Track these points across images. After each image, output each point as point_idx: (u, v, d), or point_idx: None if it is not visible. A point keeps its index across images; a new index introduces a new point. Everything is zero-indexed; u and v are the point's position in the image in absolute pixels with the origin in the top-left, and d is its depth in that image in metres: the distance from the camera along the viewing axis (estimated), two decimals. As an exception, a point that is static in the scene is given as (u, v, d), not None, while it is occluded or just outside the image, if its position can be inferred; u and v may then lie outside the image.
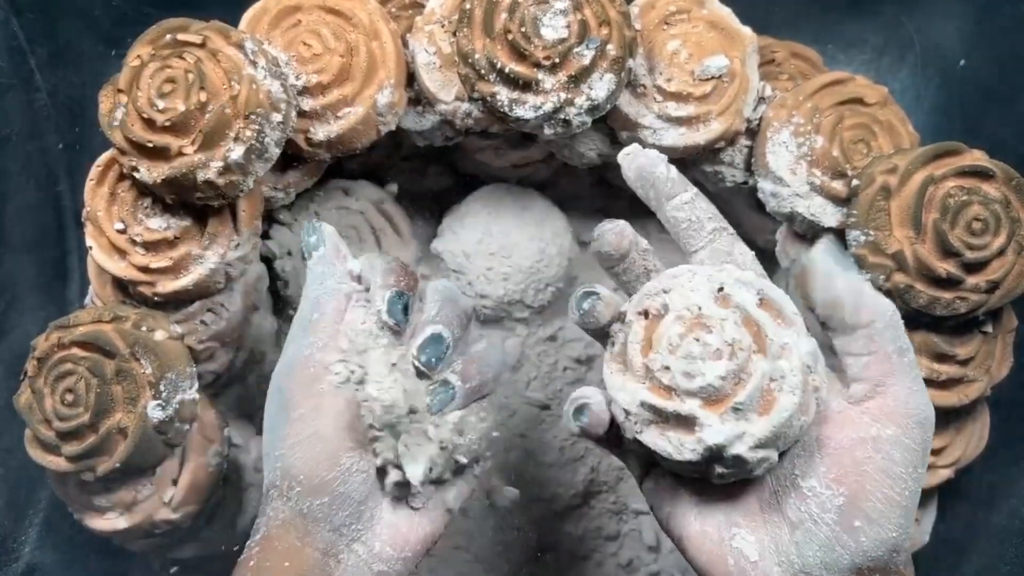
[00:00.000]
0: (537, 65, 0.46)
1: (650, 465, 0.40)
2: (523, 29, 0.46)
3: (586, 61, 0.46)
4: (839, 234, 0.49)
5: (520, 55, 0.46)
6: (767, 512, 0.36)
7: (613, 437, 0.38)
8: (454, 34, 0.49)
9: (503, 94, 0.47)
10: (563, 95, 0.46)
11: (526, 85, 0.47)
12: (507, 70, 0.46)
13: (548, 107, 0.47)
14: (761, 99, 0.52)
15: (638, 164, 0.41)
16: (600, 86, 0.47)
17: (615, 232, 0.40)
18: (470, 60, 0.47)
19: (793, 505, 0.35)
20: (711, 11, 0.51)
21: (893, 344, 0.36)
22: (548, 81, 0.46)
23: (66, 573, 0.52)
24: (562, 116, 0.47)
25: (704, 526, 0.37)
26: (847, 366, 0.37)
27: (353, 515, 0.38)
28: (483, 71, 0.47)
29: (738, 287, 0.36)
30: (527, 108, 0.47)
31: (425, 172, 0.64)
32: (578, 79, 0.46)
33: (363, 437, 0.39)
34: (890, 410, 0.35)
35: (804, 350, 0.35)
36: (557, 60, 0.46)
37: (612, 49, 0.47)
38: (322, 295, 0.40)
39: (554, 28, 0.46)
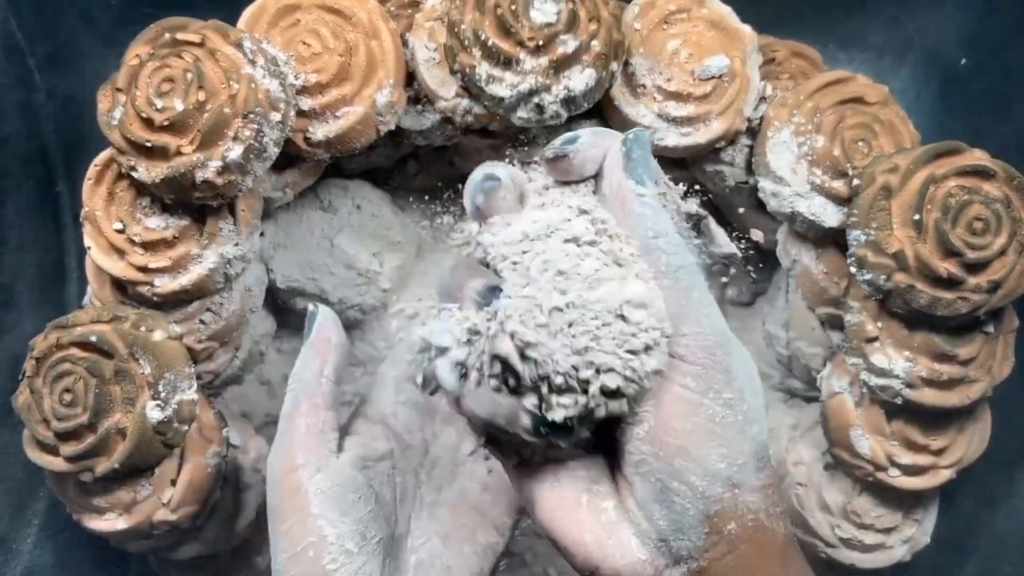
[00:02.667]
0: (521, 44, 0.46)
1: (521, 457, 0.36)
2: (513, 7, 0.46)
3: (569, 50, 0.46)
4: (840, 233, 0.49)
5: (506, 31, 0.46)
6: (620, 486, 0.34)
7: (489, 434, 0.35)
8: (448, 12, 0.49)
9: (482, 68, 0.47)
10: (541, 79, 0.47)
11: (507, 62, 0.47)
12: (490, 43, 0.46)
13: (524, 88, 0.47)
14: (762, 98, 0.52)
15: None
16: (579, 79, 0.47)
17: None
18: (456, 30, 0.48)
19: (630, 472, 0.33)
20: (711, 10, 0.51)
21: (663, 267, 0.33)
22: (529, 63, 0.47)
23: (65, 574, 0.52)
24: (536, 100, 0.47)
25: (561, 502, 0.34)
26: None
27: None
28: (467, 42, 0.47)
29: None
30: (503, 86, 0.47)
31: (425, 172, 0.64)
32: (559, 67, 0.47)
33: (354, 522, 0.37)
34: (678, 333, 0.32)
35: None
36: (541, 43, 0.46)
37: (597, 45, 0.47)
38: (300, 393, 0.39)
39: (543, 12, 0.46)
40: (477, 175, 0.36)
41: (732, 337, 0.33)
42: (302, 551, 0.36)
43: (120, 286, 0.49)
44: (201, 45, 0.44)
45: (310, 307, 0.42)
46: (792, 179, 0.50)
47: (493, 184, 0.36)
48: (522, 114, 0.48)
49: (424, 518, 0.42)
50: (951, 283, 0.45)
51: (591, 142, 0.36)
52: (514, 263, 0.34)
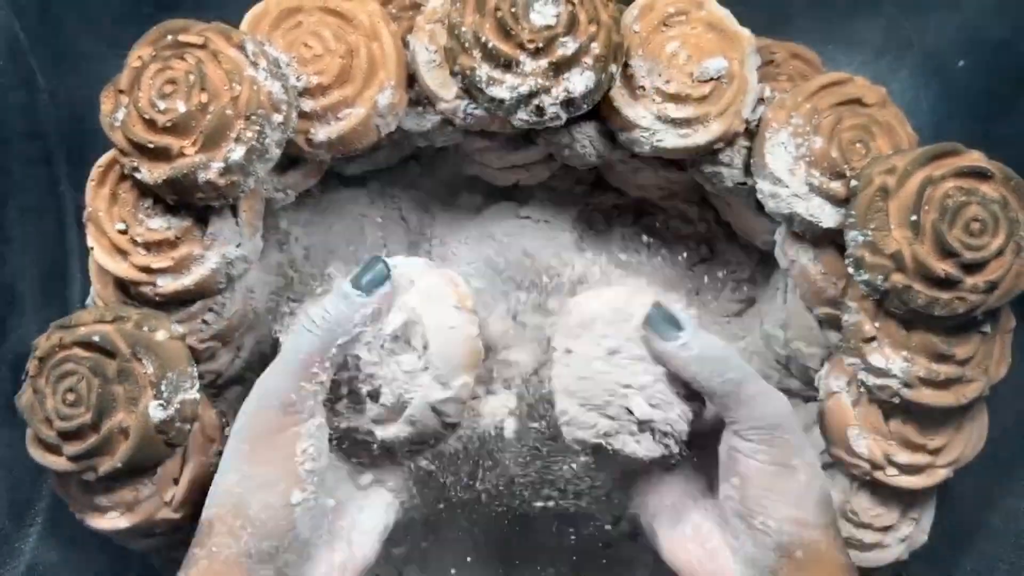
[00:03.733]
0: (521, 46, 0.47)
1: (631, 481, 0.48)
2: (513, 10, 0.47)
3: (569, 52, 0.47)
4: (838, 234, 0.49)
5: (506, 33, 0.47)
6: (720, 523, 0.44)
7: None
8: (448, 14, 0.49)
9: (482, 70, 0.47)
10: (541, 81, 0.47)
11: (507, 65, 0.47)
12: (490, 46, 0.47)
13: (524, 89, 0.47)
14: (760, 100, 0.52)
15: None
16: (579, 80, 0.47)
17: None
18: (456, 32, 0.48)
19: (726, 511, 0.43)
20: (710, 12, 0.51)
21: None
22: (528, 65, 0.47)
23: (67, 572, 0.53)
24: (536, 102, 0.48)
25: (673, 536, 0.45)
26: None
27: (298, 555, 0.41)
28: (467, 44, 0.48)
29: None
30: (503, 88, 0.47)
31: (425, 173, 0.64)
32: (558, 68, 0.47)
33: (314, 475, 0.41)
34: (748, 418, 0.41)
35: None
36: (541, 45, 0.46)
37: (596, 47, 0.47)
38: (332, 329, 0.41)
39: (543, 15, 0.47)
40: None
41: (792, 416, 0.42)
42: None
43: (123, 286, 0.49)
44: (203, 47, 0.45)
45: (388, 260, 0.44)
46: (790, 180, 0.50)
47: None
48: (522, 116, 0.49)
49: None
50: (948, 283, 0.45)
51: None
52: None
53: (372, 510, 0.46)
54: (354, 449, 0.46)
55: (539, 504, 0.56)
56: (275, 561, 0.40)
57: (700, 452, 0.46)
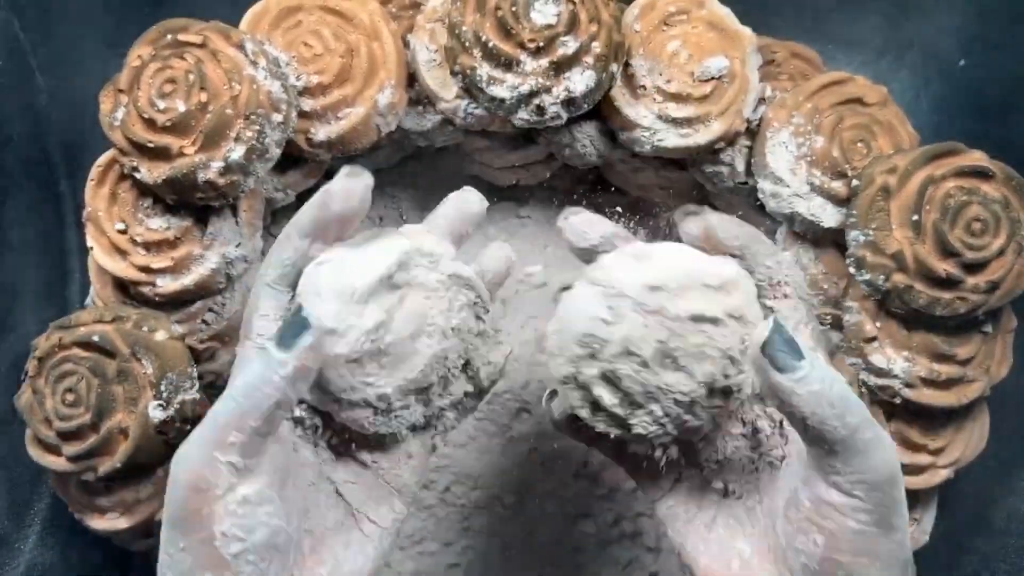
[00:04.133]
0: (521, 46, 0.47)
1: (672, 482, 0.41)
2: (514, 9, 0.47)
3: (570, 52, 0.46)
4: (839, 234, 0.49)
5: (507, 33, 0.47)
6: (775, 565, 0.37)
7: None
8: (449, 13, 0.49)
9: (483, 70, 0.47)
10: (541, 80, 0.47)
11: (507, 64, 0.47)
12: (491, 45, 0.47)
13: (525, 89, 0.47)
14: (761, 99, 0.52)
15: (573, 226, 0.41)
16: (580, 80, 0.47)
17: (582, 221, 0.40)
18: (457, 31, 0.48)
19: (791, 559, 0.37)
20: (711, 11, 0.51)
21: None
22: (529, 64, 0.47)
23: (67, 573, 0.52)
24: (537, 102, 0.48)
25: (712, 567, 0.38)
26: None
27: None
28: (468, 44, 0.47)
29: None
30: (504, 87, 0.47)
31: (425, 173, 0.64)
32: (559, 68, 0.47)
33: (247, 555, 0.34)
34: (859, 470, 0.35)
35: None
36: (542, 45, 0.46)
37: (597, 46, 0.47)
38: (175, 476, 0.34)
39: (544, 14, 0.47)
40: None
41: (898, 464, 0.35)
42: None
43: (122, 286, 0.49)
44: (203, 46, 0.45)
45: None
46: (791, 180, 0.50)
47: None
48: (523, 115, 0.48)
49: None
50: (950, 283, 0.45)
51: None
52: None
53: (360, 545, 0.39)
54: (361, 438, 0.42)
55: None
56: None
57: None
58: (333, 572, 0.37)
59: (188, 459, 0.34)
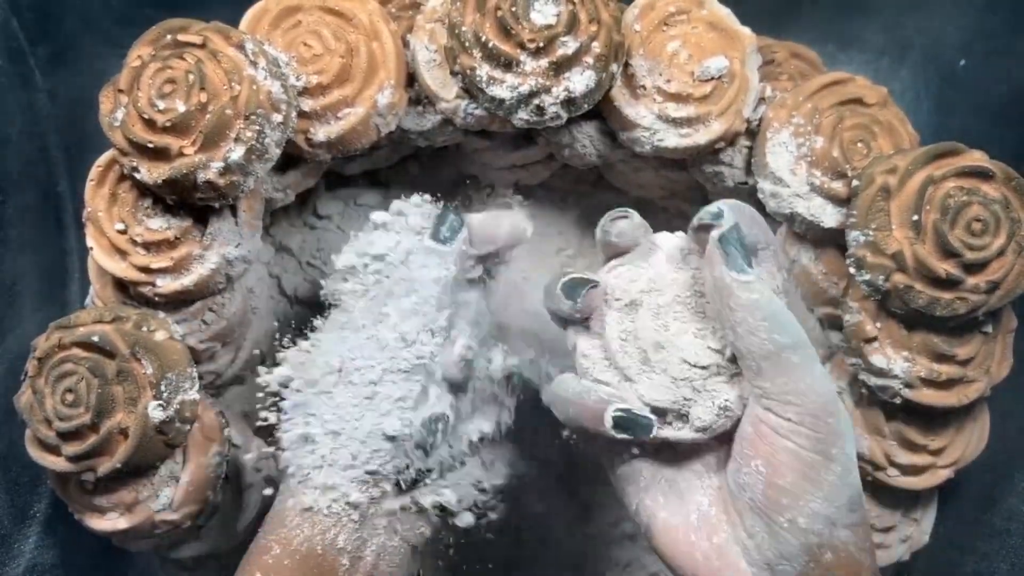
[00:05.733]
0: (521, 46, 0.47)
1: (623, 450, 0.41)
2: (514, 9, 0.47)
3: (569, 52, 0.47)
4: (839, 234, 0.49)
5: (506, 33, 0.47)
6: (727, 513, 0.38)
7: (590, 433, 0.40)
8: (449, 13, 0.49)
9: (483, 70, 0.47)
10: (541, 80, 0.47)
11: (507, 64, 0.47)
12: (491, 45, 0.47)
13: (524, 89, 0.47)
14: (761, 99, 0.52)
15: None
16: (579, 80, 0.47)
17: (629, 222, 0.41)
18: (457, 31, 0.48)
19: (740, 506, 0.37)
20: (711, 12, 0.51)
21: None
22: (529, 64, 0.47)
23: (67, 573, 0.52)
24: (537, 102, 0.48)
25: (671, 521, 0.39)
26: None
27: None
28: (468, 44, 0.47)
29: None
30: (504, 88, 0.47)
31: (425, 173, 0.64)
32: (559, 68, 0.47)
33: None
34: (786, 391, 0.36)
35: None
36: (541, 45, 0.46)
37: (597, 46, 0.47)
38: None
39: (544, 14, 0.47)
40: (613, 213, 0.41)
41: (837, 399, 0.36)
42: None
43: (122, 286, 0.49)
44: (203, 46, 0.45)
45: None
46: (791, 180, 0.50)
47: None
48: (522, 115, 0.48)
49: None
50: (950, 283, 0.45)
51: (731, 217, 0.38)
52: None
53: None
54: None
55: None
56: None
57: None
58: None
59: None
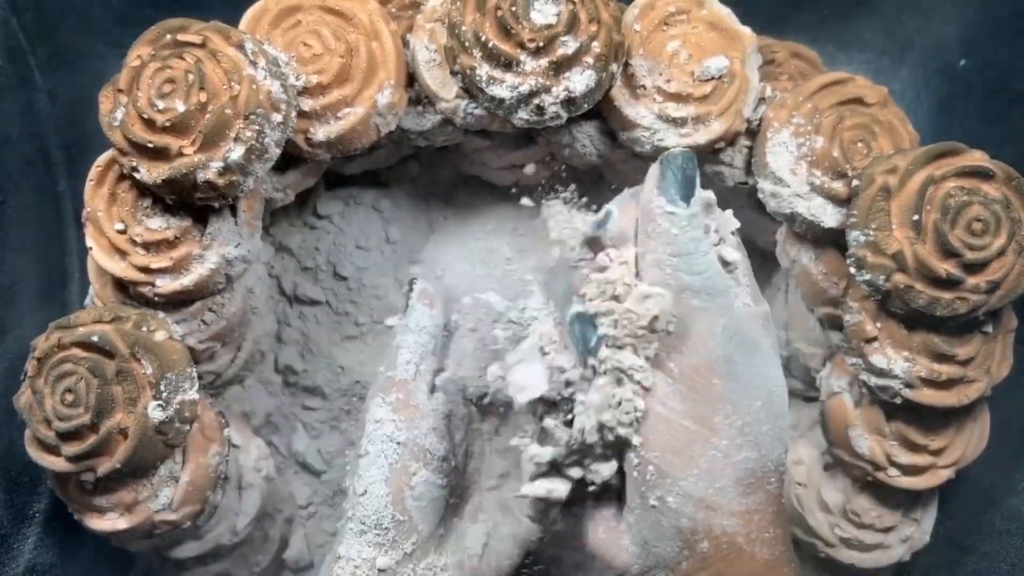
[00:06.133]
0: (521, 46, 0.47)
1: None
2: (513, 9, 0.47)
3: (569, 51, 0.47)
4: (839, 234, 0.49)
5: (506, 33, 0.47)
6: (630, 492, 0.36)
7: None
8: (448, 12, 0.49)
9: (483, 69, 0.47)
10: (541, 80, 0.47)
11: (507, 64, 0.47)
12: (491, 45, 0.47)
13: (524, 89, 0.47)
14: (761, 99, 0.52)
15: None
16: (579, 80, 0.47)
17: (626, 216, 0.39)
18: (457, 31, 0.48)
19: (628, 482, 0.35)
20: (711, 11, 0.51)
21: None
22: (529, 64, 0.47)
23: (66, 573, 0.52)
24: (537, 102, 0.48)
25: (593, 515, 0.37)
26: None
27: None
28: (467, 43, 0.47)
29: None
30: (504, 87, 0.47)
31: (425, 173, 0.64)
32: (559, 68, 0.47)
33: None
34: (675, 349, 0.33)
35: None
36: (541, 44, 0.46)
37: (597, 46, 0.47)
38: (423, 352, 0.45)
39: (544, 14, 0.47)
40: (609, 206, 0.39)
41: (737, 364, 0.32)
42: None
43: (122, 286, 0.49)
44: (203, 46, 0.45)
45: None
46: (791, 180, 0.50)
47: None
48: (522, 115, 0.48)
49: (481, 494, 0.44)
50: (950, 283, 0.45)
51: (618, 216, 0.37)
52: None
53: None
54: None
55: None
56: None
57: None
58: None
59: None
